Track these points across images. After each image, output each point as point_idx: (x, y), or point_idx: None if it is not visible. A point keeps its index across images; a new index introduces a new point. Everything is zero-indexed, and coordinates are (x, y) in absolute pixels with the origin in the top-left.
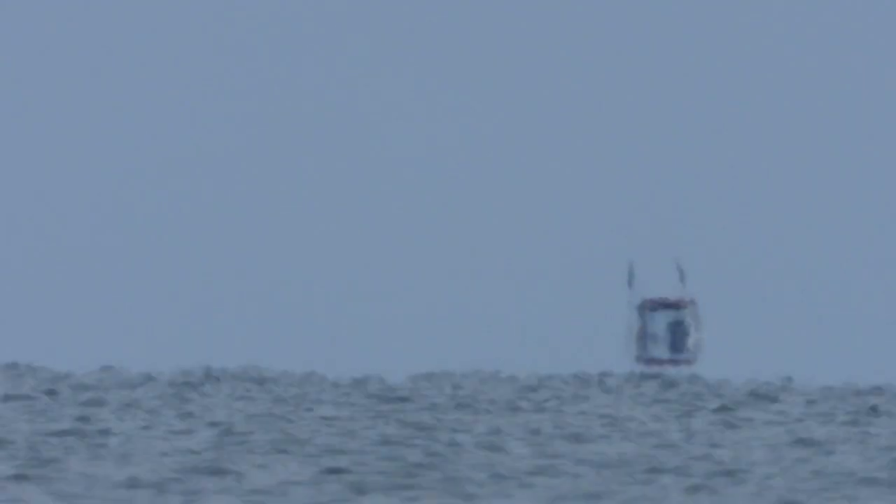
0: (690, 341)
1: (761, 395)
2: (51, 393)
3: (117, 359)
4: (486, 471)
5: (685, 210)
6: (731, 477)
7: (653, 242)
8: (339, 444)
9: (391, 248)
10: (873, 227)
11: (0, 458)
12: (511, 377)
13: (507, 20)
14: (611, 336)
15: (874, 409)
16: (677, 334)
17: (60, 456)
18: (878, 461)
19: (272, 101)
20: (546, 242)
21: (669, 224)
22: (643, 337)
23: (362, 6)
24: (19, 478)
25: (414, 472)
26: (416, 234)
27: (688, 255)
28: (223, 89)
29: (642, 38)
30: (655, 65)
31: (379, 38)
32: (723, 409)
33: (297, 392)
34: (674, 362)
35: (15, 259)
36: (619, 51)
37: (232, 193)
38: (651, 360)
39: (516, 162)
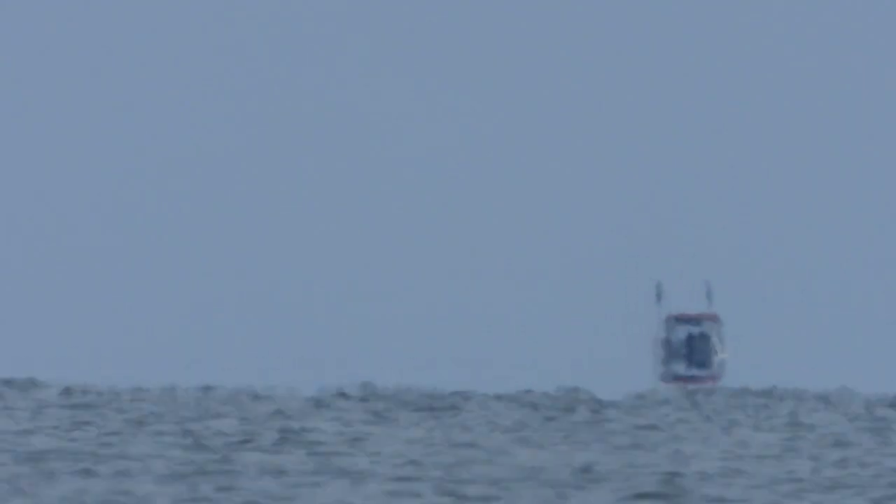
0: (716, 358)
1: None
2: None
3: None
4: None
5: (712, 228)
6: None
7: (679, 260)
8: None
9: (406, 252)
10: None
11: None
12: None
13: (515, 22)
14: (638, 353)
15: None
16: (702, 351)
17: None
18: None
19: (272, 101)
20: (573, 259)
21: (696, 241)
22: (668, 353)
23: (362, 6)
24: None
25: None
26: (433, 243)
27: (714, 273)
28: (223, 89)
29: (668, 50)
30: (685, 84)
31: (379, 39)
32: None
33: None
34: (698, 379)
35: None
36: (648, 64)
37: (232, 194)
38: (676, 377)
39: (544, 178)
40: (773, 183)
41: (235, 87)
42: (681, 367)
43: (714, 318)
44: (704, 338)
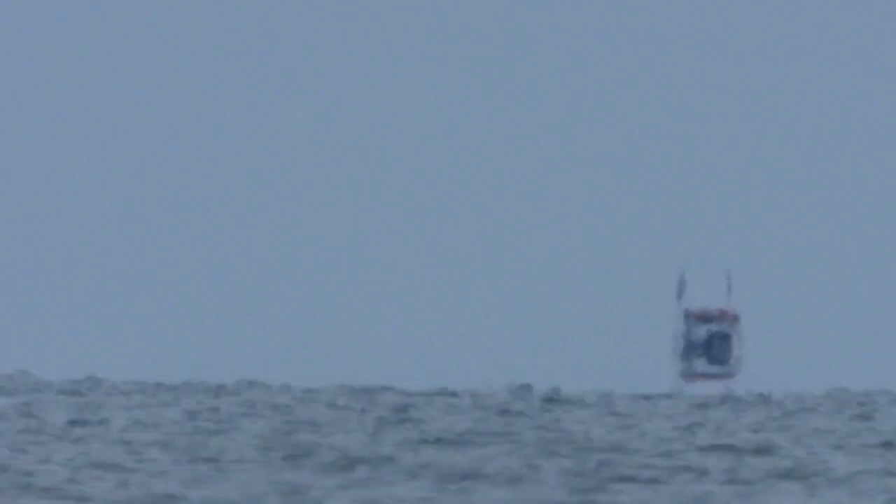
0: (734, 354)
1: None
2: None
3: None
4: None
5: (733, 222)
6: None
7: (699, 254)
8: None
9: (417, 258)
10: None
11: None
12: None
13: (536, 22)
14: (657, 349)
15: None
16: (720, 347)
17: None
18: None
19: (272, 100)
20: (593, 255)
21: (716, 236)
22: (687, 350)
23: (364, 7)
24: None
25: None
26: (450, 244)
27: (734, 267)
28: (223, 89)
29: (696, 50)
30: (705, 79)
31: (383, 39)
32: None
33: None
34: (717, 376)
35: None
36: (669, 63)
37: (229, 195)
38: (695, 374)
39: (565, 173)
40: (796, 176)
41: (235, 86)
42: (698, 364)
43: (733, 318)
44: (724, 337)
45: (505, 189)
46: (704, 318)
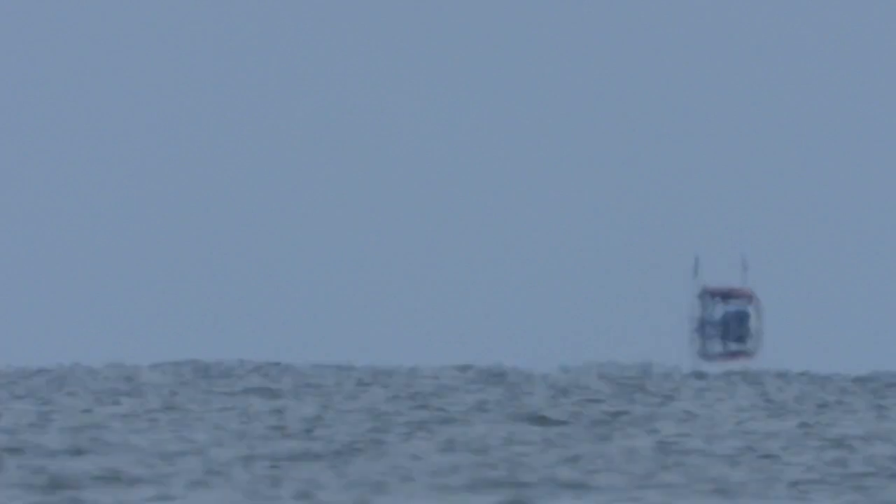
0: (752, 332)
1: None
2: None
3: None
4: None
5: (749, 202)
6: None
7: (715, 234)
8: None
9: (437, 239)
10: None
11: None
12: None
13: (537, 21)
14: (673, 328)
15: None
16: (738, 325)
17: None
18: None
19: (271, 99)
20: (608, 236)
21: (733, 216)
22: (703, 328)
23: (364, 7)
24: None
25: None
26: (464, 228)
27: (750, 247)
28: (222, 88)
29: (711, 35)
30: (719, 60)
31: (383, 39)
32: None
33: None
34: (735, 354)
35: None
36: (682, 47)
37: (225, 195)
38: (712, 353)
39: (582, 154)
40: (812, 161)
41: (235, 86)
42: (716, 342)
43: (750, 292)
44: (740, 311)
45: (519, 176)
46: (722, 295)
